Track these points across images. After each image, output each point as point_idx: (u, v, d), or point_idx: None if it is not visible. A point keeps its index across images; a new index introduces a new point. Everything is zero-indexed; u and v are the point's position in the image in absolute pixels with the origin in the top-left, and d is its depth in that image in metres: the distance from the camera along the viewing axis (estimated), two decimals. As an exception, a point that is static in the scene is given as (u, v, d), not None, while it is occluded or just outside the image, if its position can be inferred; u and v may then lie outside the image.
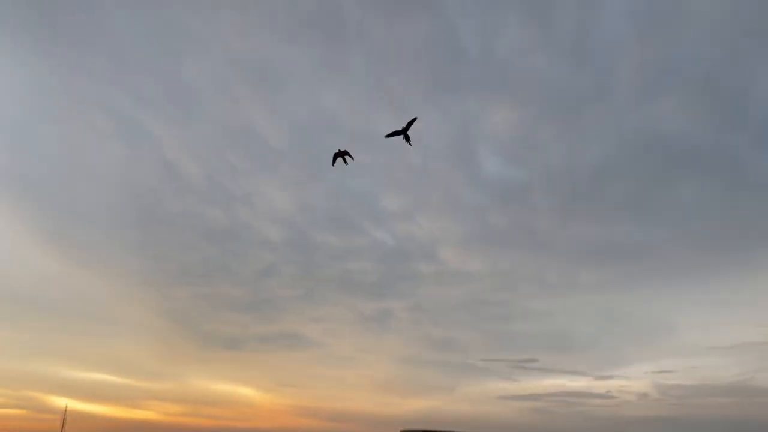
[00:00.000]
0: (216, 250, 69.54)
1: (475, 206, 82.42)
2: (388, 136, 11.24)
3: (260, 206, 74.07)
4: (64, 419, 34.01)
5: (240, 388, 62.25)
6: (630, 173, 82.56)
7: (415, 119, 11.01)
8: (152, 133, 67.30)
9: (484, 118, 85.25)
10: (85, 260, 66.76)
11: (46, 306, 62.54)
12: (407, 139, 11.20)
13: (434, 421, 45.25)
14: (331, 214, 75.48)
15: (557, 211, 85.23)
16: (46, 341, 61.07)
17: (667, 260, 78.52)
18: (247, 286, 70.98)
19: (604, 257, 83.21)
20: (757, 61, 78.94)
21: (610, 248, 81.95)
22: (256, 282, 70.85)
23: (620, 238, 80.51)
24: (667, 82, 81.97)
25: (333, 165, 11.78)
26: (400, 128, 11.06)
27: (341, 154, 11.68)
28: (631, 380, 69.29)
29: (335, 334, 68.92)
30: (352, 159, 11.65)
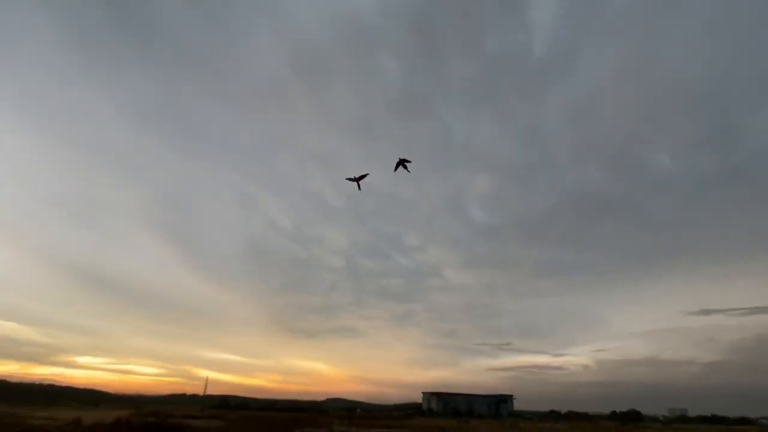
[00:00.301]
0: (299, 273, 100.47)
1: (466, 241, 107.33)
2: (396, 168, 11.78)
3: (326, 244, 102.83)
4: (206, 384, 43.01)
5: (316, 364, 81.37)
6: (568, 216, 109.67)
7: (409, 161, 11.71)
8: (259, 199, 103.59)
9: (470, 183, 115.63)
10: (219, 281, 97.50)
11: (194, 310, 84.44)
12: (406, 167, 11.76)
13: (445, 386, 57.22)
14: (372, 248, 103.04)
15: (521, 243, 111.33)
16: (195, 333, 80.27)
17: (597, 275, 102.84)
18: (319, 296, 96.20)
19: (554, 273, 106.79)
20: (652, 138, 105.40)
21: (557, 267, 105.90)
22: (325, 294, 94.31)
23: (563, 260, 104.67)
24: (591, 153, 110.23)
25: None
26: (398, 160, 11.63)
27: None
28: (578, 356, 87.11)
29: (376, 328, 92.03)
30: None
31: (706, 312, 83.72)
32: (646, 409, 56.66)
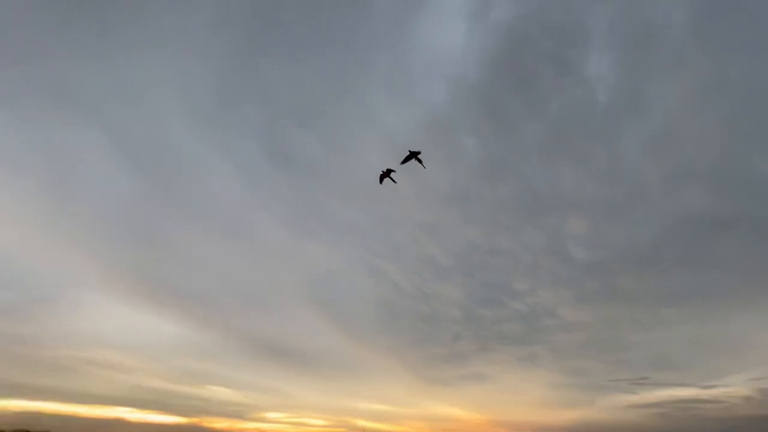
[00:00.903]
0: (426, 327, 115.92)
1: (573, 279, 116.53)
2: (405, 161, 11.34)
3: (444, 299, 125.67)
4: (363, 432, 50.07)
5: (453, 410, 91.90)
6: (677, 241, 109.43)
7: (418, 152, 11.13)
8: (383, 269, 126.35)
9: (564, 226, 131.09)
10: (361, 340, 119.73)
11: (346, 367, 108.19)
12: (419, 161, 11.38)
13: (585, 426, 55.35)
14: (485, 298, 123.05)
15: (632, 275, 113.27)
16: (349, 387, 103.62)
17: (731, 297, 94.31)
18: (446, 346, 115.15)
19: (678, 300, 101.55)
20: (753, 150, 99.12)
21: (680, 294, 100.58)
22: (451, 344, 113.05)
23: (685, 286, 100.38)
24: (684, 178, 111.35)
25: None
26: (408, 153, 11.06)
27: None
28: (733, 387, 74.61)
29: (504, 372, 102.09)
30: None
31: None
32: None
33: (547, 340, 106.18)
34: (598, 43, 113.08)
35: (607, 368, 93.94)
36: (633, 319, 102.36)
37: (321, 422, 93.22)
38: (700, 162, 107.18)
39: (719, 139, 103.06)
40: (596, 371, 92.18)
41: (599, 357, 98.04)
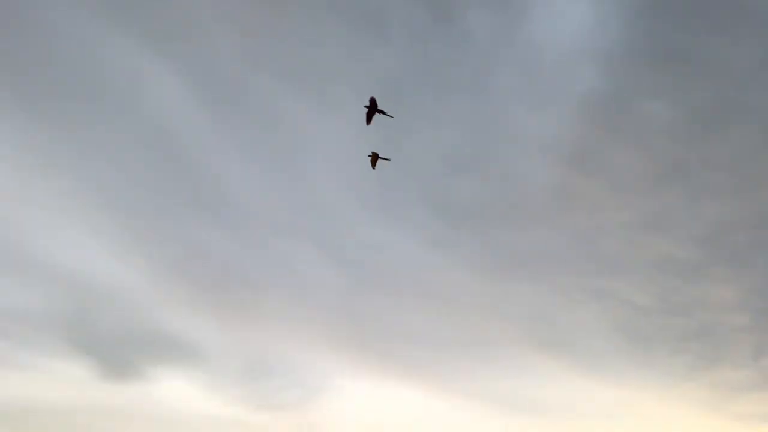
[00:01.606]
0: (699, 346, 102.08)
1: None
2: (369, 120, 10.25)
3: (709, 302, 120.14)
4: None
5: None
6: None
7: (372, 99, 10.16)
8: (609, 289, 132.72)
9: None
10: (604, 376, 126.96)
11: (588, 413, 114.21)
12: (383, 112, 10.07)
13: None
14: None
15: None
16: None
17: None
18: (746, 366, 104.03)
19: None
20: None
21: None
22: (752, 362, 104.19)
23: None
24: None
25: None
26: (367, 109, 10.19)
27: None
28: None
29: None
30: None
31: None
32: None
33: None
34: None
35: None
36: None
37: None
38: None
39: None
40: None
41: None
